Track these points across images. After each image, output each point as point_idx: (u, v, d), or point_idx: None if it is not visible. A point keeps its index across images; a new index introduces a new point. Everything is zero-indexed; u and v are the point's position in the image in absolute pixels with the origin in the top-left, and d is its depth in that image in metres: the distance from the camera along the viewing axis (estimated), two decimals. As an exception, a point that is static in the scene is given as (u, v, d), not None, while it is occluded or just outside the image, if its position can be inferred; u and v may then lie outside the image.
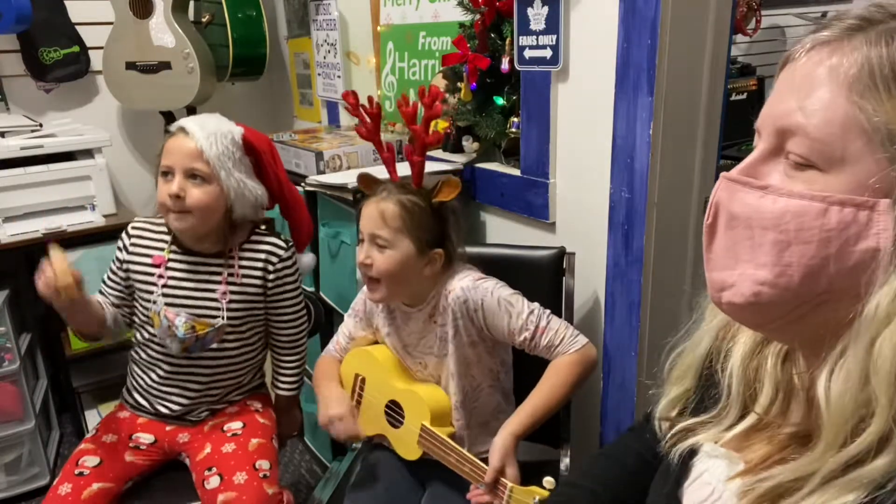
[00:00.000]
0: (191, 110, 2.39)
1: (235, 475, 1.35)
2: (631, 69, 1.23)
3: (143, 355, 1.48)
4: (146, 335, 1.46)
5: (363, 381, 1.38)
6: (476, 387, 1.32)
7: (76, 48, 2.39)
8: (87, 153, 2.20)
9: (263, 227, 1.50)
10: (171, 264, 1.43)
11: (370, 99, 1.34)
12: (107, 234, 2.08)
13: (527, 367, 1.34)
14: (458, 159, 1.73)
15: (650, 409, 0.79)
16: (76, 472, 1.35)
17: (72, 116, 2.46)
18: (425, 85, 1.80)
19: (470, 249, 1.37)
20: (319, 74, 2.40)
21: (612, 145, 1.30)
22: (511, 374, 1.37)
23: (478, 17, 1.57)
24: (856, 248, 0.50)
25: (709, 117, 1.32)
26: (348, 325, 1.45)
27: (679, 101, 1.25)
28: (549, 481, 1.04)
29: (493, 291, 1.24)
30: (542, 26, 1.38)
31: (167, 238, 1.44)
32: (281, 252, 1.46)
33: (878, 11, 0.51)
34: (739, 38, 2.95)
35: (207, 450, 1.42)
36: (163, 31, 2.26)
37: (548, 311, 1.26)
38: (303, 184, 1.70)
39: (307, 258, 1.64)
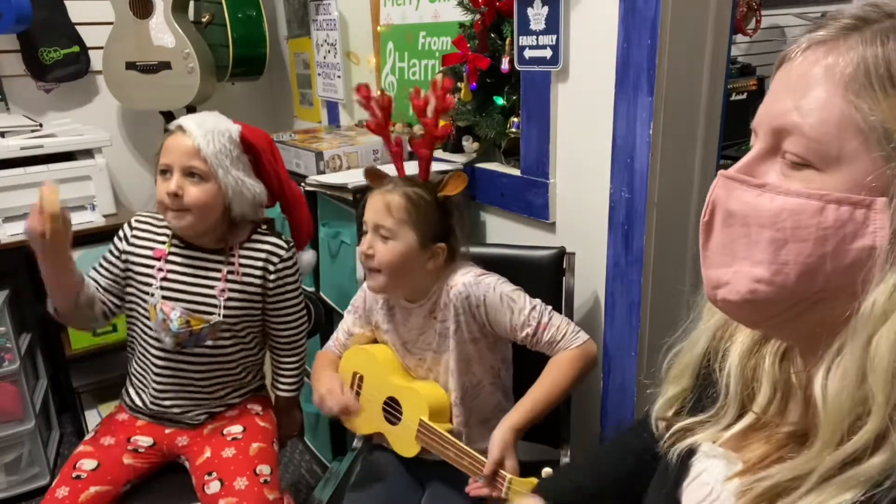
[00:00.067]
0: (191, 110, 2.39)
1: (236, 480, 1.34)
2: (631, 69, 1.23)
3: (138, 349, 1.48)
4: (142, 329, 1.46)
5: (361, 378, 1.38)
6: (476, 384, 1.32)
7: (76, 48, 2.39)
8: (87, 153, 2.20)
9: (264, 226, 1.50)
10: (171, 258, 1.43)
11: (382, 92, 1.35)
12: (107, 234, 2.05)
13: (527, 364, 1.34)
14: (458, 159, 1.73)
15: (647, 409, 0.79)
16: (73, 475, 1.35)
17: (72, 116, 2.46)
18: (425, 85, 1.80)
19: (470, 249, 1.37)
20: (319, 74, 2.40)
21: (612, 145, 1.30)
22: (511, 371, 1.38)
23: (478, 17, 1.57)
24: (852, 246, 0.50)
25: (709, 117, 1.32)
26: (347, 322, 1.45)
27: (679, 101, 1.25)
28: (547, 472, 1.04)
29: (496, 287, 1.24)
30: (542, 26, 1.39)
31: (168, 232, 1.44)
32: (282, 252, 1.46)
33: (874, 11, 0.51)
34: (739, 38, 2.95)
35: (207, 454, 1.42)
36: (163, 31, 2.26)
37: (549, 308, 1.26)
38: (303, 184, 1.70)
39: (308, 256, 1.64)
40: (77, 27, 2.39)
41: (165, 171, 1.34)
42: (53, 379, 2.44)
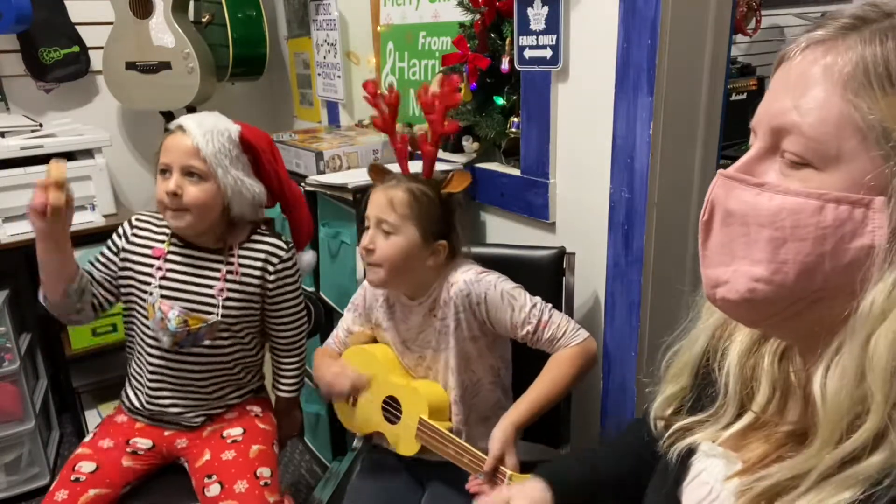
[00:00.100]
0: (191, 110, 2.39)
1: (236, 483, 1.34)
2: (631, 69, 1.23)
3: (136, 349, 1.48)
4: (140, 328, 1.45)
5: (361, 379, 1.38)
6: (476, 382, 1.32)
7: (76, 48, 2.39)
8: (87, 153, 2.20)
9: (264, 227, 1.50)
10: (170, 257, 1.43)
11: (390, 88, 1.34)
12: (107, 234, 2.04)
13: (526, 362, 1.34)
14: (458, 159, 1.73)
15: (646, 408, 0.79)
16: (72, 477, 1.35)
17: (72, 116, 2.47)
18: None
19: (471, 249, 1.37)
20: (319, 74, 2.40)
21: (612, 145, 1.30)
22: (510, 370, 1.38)
23: (478, 17, 1.57)
24: (851, 245, 0.50)
25: (709, 117, 1.32)
26: (347, 320, 1.45)
27: (679, 101, 1.25)
28: None
29: (497, 285, 1.24)
30: (542, 26, 1.39)
31: (168, 232, 1.44)
32: (281, 253, 1.46)
33: (873, 10, 0.51)
34: (739, 38, 2.95)
35: (207, 456, 1.42)
36: (163, 31, 2.26)
37: (549, 305, 1.26)
38: (303, 184, 1.70)
39: (308, 256, 1.64)
40: (77, 27, 2.39)
41: (165, 171, 1.35)
42: (53, 379, 2.45)
